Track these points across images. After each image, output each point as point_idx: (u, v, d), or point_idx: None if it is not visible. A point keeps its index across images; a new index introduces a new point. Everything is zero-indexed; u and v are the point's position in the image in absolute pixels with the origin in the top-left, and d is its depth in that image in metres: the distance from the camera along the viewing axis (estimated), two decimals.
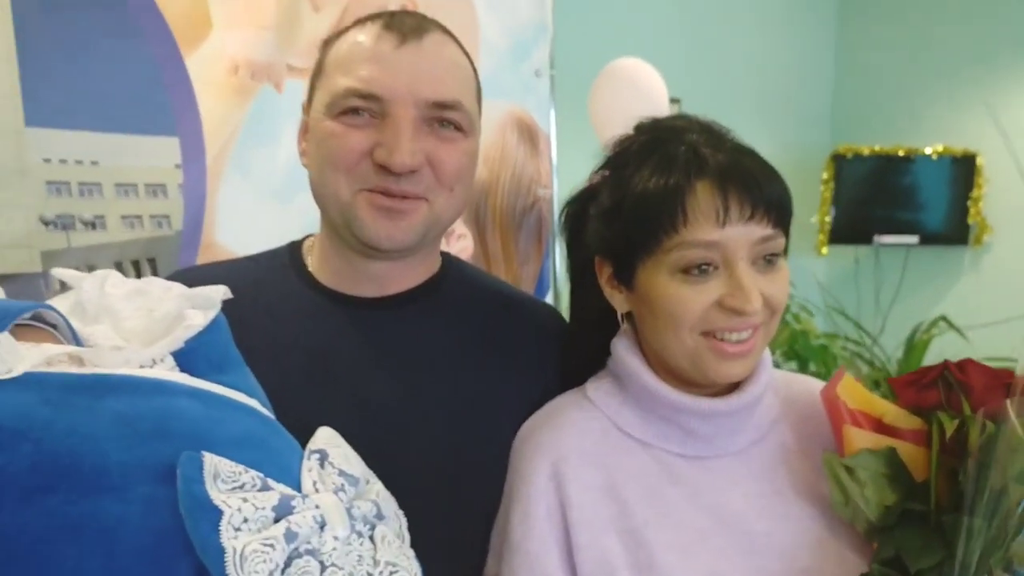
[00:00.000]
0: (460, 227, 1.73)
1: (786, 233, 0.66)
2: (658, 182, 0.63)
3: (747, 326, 0.64)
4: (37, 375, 0.45)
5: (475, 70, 0.75)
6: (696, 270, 0.62)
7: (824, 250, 3.45)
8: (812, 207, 3.43)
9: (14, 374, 0.43)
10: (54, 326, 0.51)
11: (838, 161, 3.41)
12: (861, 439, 0.61)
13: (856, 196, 3.43)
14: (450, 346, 0.75)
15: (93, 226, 1.25)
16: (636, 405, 0.69)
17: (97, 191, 1.26)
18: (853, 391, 0.64)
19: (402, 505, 0.55)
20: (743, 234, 0.62)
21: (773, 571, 0.63)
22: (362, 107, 0.67)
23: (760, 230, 0.62)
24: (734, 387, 0.68)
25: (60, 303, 0.54)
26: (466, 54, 0.75)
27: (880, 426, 0.63)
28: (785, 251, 0.67)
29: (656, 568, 0.62)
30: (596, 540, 0.64)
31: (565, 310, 0.89)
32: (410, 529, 0.55)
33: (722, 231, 0.61)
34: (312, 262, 0.76)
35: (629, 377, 0.69)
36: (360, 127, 0.67)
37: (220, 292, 0.55)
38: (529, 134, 1.82)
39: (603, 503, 0.65)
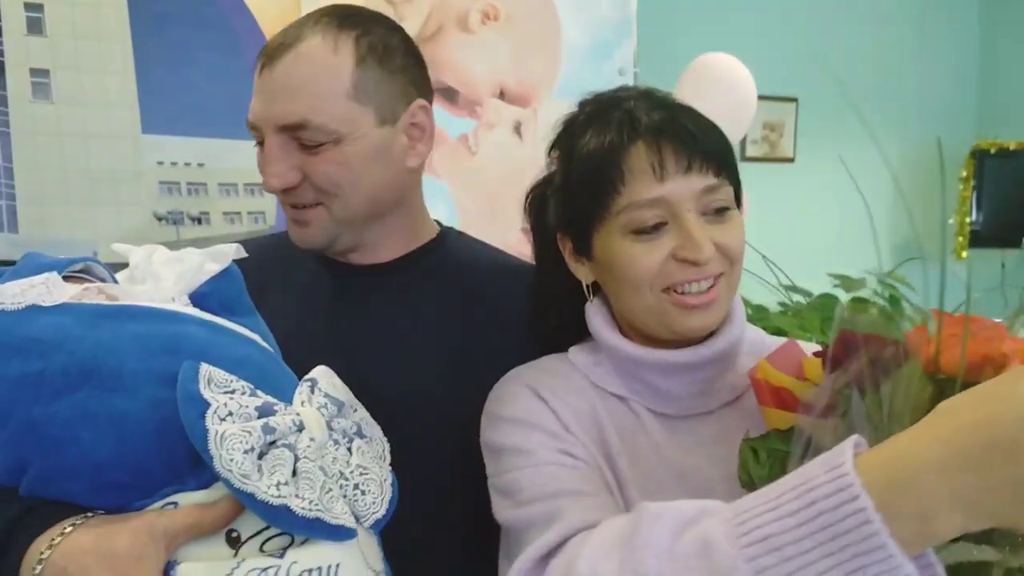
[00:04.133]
0: None
1: (734, 183, 0.66)
2: (596, 147, 0.65)
3: (704, 276, 0.64)
4: (75, 305, 0.54)
5: (362, 62, 0.73)
6: (650, 229, 0.63)
7: (964, 254, 3.14)
8: (950, 208, 3.14)
9: (56, 302, 0.53)
10: (102, 279, 0.61)
11: (979, 157, 3.10)
12: (776, 419, 0.57)
13: (1002, 195, 3.10)
14: (438, 305, 0.79)
15: (199, 221, 1.40)
16: (610, 364, 0.69)
17: (203, 190, 1.41)
18: (770, 369, 0.60)
19: (389, 443, 0.59)
20: (685, 186, 0.62)
21: None
22: (256, 135, 0.74)
23: (702, 180, 0.63)
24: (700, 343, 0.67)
25: (123, 273, 0.65)
26: (357, 45, 0.73)
27: (796, 401, 0.57)
28: (738, 201, 0.67)
29: (623, 496, 0.63)
30: (584, 441, 0.65)
31: None
32: (396, 465, 0.59)
33: (663, 186, 0.62)
34: None
35: (598, 336, 0.70)
36: (262, 151, 0.73)
37: (232, 249, 0.62)
38: None
39: (587, 428, 0.66)
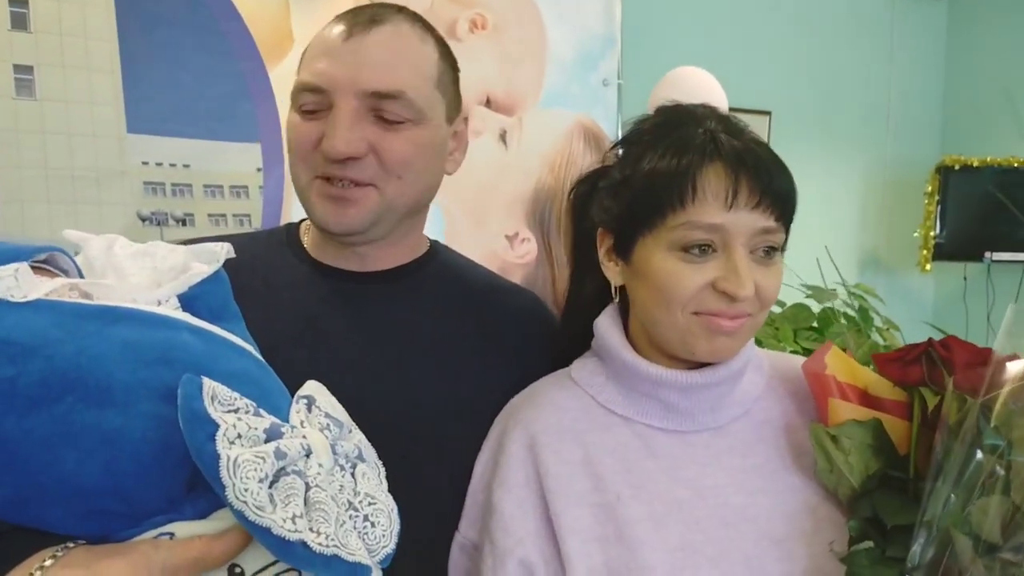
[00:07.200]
0: (524, 231, 1.77)
1: (787, 230, 0.66)
2: (671, 161, 0.64)
3: (736, 313, 0.63)
4: (51, 302, 0.48)
5: (443, 58, 0.75)
6: (696, 250, 0.62)
7: (928, 267, 3.23)
8: (915, 222, 3.24)
9: (29, 299, 0.47)
10: (65, 271, 0.54)
11: (944, 173, 3.20)
12: (846, 411, 0.60)
13: (965, 210, 3.20)
14: (431, 320, 0.77)
15: (183, 223, 1.39)
16: (617, 381, 0.69)
17: (188, 191, 1.39)
18: (842, 363, 0.63)
19: (380, 459, 0.57)
20: (747, 221, 0.62)
21: (747, 543, 0.62)
22: (312, 100, 0.70)
23: (764, 220, 0.63)
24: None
25: (77, 261, 0.56)
26: (437, 42, 0.75)
27: (864, 397, 0.62)
28: (783, 248, 0.67)
29: (626, 541, 0.62)
30: (569, 509, 0.65)
31: None
32: (391, 486, 0.55)
33: (727, 215, 0.61)
34: (307, 239, 0.81)
35: (609, 354, 0.70)
36: (314, 118, 0.70)
37: (224, 248, 0.57)
38: (596, 142, 1.84)
39: (578, 477, 0.66)
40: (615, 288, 0.71)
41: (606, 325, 0.71)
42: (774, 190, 0.63)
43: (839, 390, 0.61)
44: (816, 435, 0.60)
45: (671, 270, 0.63)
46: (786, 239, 0.66)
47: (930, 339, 0.60)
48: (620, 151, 0.71)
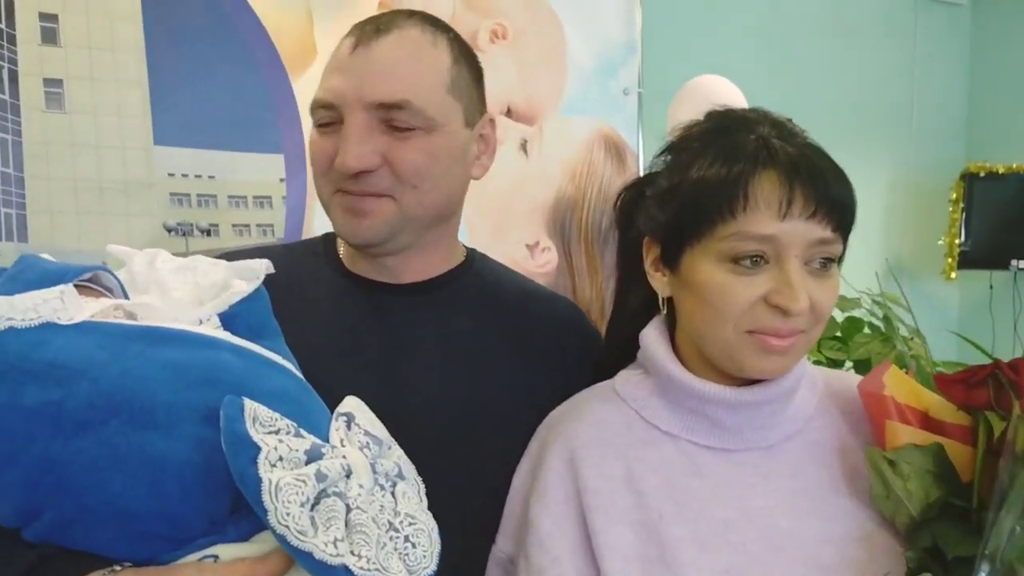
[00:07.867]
0: (545, 240, 1.76)
1: (845, 240, 0.63)
2: (721, 168, 0.61)
3: (790, 331, 0.60)
4: (96, 324, 0.48)
5: (458, 61, 0.73)
6: (748, 261, 0.59)
7: (953, 275, 3.19)
8: (939, 229, 3.19)
9: (75, 321, 0.48)
10: (109, 290, 0.55)
11: (969, 180, 3.16)
12: (905, 435, 0.58)
13: (991, 218, 3.15)
14: (467, 331, 0.76)
15: (208, 233, 1.40)
16: (663, 396, 0.67)
17: (213, 202, 1.40)
18: (901, 384, 0.60)
19: (419, 473, 0.57)
20: (801, 231, 0.59)
21: (796, 569, 0.60)
22: (326, 115, 0.71)
23: (819, 230, 0.60)
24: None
25: (119, 275, 0.57)
26: (452, 44, 0.73)
27: (925, 420, 0.59)
28: (841, 259, 0.64)
29: (668, 562, 0.60)
30: (610, 527, 0.62)
31: None
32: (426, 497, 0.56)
33: (780, 224, 0.59)
34: (343, 250, 0.80)
35: (655, 367, 0.67)
36: (330, 133, 0.71)
37: (263, 265, 0.58)
38: (616, 150, 1.83)
39: (620, 493, 0.64)
40: (662, 299, 0.69)
41: (652, 337, 0.69)
42: (831, 198, 0.60)
43: (898, 412, 0.59)
44: (872, 459, 0.58)
45: (720, 282, 0.61)
46: (844, 249, 0.64)
47: (997, 360, 0.57)
48: (668, 158, 0.69)
